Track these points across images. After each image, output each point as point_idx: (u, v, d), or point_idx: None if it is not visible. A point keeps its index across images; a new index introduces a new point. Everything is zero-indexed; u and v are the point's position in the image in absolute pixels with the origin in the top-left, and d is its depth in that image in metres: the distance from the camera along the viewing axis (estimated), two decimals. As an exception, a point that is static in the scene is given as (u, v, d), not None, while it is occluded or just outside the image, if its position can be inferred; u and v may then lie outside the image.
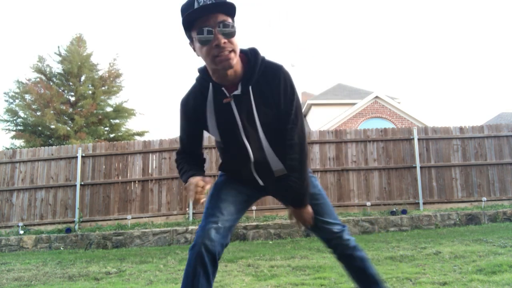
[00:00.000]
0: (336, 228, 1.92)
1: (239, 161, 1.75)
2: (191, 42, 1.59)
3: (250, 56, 1.62)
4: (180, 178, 1.77)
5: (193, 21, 1.49)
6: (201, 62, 1.66)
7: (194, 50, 1.60)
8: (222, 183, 1.84)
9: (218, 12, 1.47)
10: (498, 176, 8.77)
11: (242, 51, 1.62)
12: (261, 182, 1.81)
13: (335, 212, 1.94)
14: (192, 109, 1.70)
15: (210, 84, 1.64)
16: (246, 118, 1.64)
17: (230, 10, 1.49)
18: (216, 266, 1.66)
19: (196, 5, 1.45)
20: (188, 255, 1.66)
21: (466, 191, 8.72)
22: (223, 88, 1.62)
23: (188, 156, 1.81)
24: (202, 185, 1.59)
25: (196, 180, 1.59)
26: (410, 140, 8.88)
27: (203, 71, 1.67)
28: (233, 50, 1.51)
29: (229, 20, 1.49)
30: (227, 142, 1.74)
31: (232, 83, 1.62)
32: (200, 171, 1.74)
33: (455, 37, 73.64)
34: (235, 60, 1.54)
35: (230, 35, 1.49)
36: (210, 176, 8.80)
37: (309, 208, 1.80)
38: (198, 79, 1.70)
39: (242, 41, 1.57)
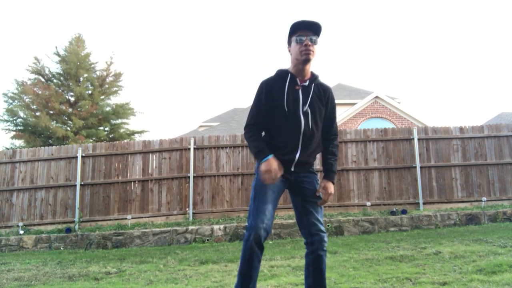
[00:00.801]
0: (323, 228, 2.46)
1: (292, 131, 2.40)
2: (289, 46, 2.48)
3: (315, 73, 2.54)
4: (250, 142, 2.44)
5: (297, 30, 2.40)
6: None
7: (289, 51, 2.48)
8: (267, 186, 2.38)
9: (311, 29, 2.40)
10: (498, 176, 8.77)
11: (311, 71, 2.51)
12: (298, 156, 2.40)
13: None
14: (270, 89, 2.43)
15: (289, 74, 2.45)
16: (305, 102, 2.42)
17: (318, 31, 2.41)
18: (262, 248, 2.34)
19: (304, 21, 2.38)
20: (244, 244, 2.33)
21: (466, 191, 8.72)
22: (297, 79, 2.45)
23: (255, 126, 2.46)
24: (277, 175, 2.30)
25: (276, 168, 2.28)
26: (410, 140, 8.88)
27: (283, 69, 2.50)
28: (313, 52, 2.39)
29: (315, 36, 2.41)
30: (288, 115, 2.39)
31: (303, 79, 2.46)
32: (266, 145, 2.40)
33: (455, 37, 73.62)
34: (312, 58, 2.39)
35: (314, 43, 2.40)
36: (209, 176, 8.79)
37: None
38: (278, 72, 2.49)
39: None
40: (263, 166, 2.29)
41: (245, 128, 2.49)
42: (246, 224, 2.43)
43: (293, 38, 2.41)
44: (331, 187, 2.45)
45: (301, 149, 2.41)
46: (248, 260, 2.30)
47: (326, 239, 2.43)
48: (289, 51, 2.46)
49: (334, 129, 2.55)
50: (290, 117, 2.39)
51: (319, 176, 2.49)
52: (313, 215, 2.42)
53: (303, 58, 2.36)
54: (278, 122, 2.41)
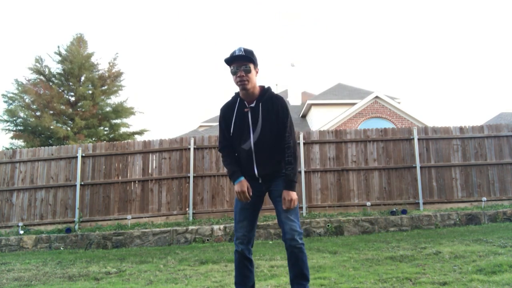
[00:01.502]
0: (294, 225, 2.66)
1: (245, 150, 2.68)
2: (231, 72, 2.70)
3: (264, 88, 2.76)
4: (225, 166, 2.80)
5: (231, 62, 2.64)
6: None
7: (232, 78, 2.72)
8: (241, 204, 2.75)
9: (243, 59, 2.63)
10: (498, 176, 8.77)
11: (260, 85, 2.76)
12: (256, 172, 2.69)
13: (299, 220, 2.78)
14: (225, 114, 2.77)
15: (238, 99, 2.75)
16: (254, 122, 2.68)
17: (250, 59, 2.64)
18: (250, 260, 2.76)
19: (234, 54, 2.63)
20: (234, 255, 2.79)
21: (466, 191, 8.72)
22: (245, 102, 2.72)
23: (226, 148, 2.78)
24: (248, 196, 2.66)
25: (244, 190, 2.64)
26: (410, 140, 8.88)
27: (237, 92, 2.78)
28: (248, 80, 2.64)
29: (249, 64, 2.64)
30: (239, 136, 2.70)
31: (251, 100, 2.72)
32: (238, 167, 2.73)
33: (455, 37, 73.62)
34: (249, 86, 2.65)
35: (247, 72, 2.64)
36: (209, 176, 8.79)
37: (295, 194, 2.65)
38: (233, 96, 2.81)
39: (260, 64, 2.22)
40: (236, 187, 2.66)
41: (220, 152, 2.85)
42: None
43: (230, 69, 2.68)
44: (289, 195, 2.62)
45: (257, 165, 2.69)
46: (238, 269, 2.75)
47: (297, 237, 2.63)
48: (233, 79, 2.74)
49: (287, 138, 2.66)
50: (242, 138, 2.70)
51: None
52: (283, 214, 2.67)
53: (241, 88, 2.67)
54: (235, 143, 2.75)
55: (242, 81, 2.62)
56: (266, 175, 2.71)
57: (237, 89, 2.75)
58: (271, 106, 2.68)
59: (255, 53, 2.69)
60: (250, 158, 2.69)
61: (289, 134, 2.68)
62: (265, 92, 2.73)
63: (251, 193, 2.66)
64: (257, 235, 7.62)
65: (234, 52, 2.64)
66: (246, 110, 2.69)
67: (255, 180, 2.74)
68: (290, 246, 2.63)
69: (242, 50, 2.63)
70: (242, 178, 2.66)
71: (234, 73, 2.65)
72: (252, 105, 2.70)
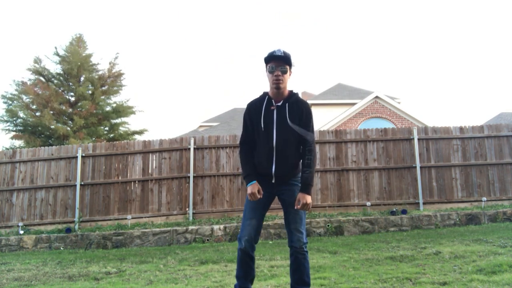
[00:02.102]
0: (301, 237, 2.78)
1: (267, 147, 2.77)
2: (266, 70, 2.83)
3: (292, 92, 2.89)
4: (241, 164, 2.90)
5: (270, 60, 2.78)
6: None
7: (267, 75, 2.84)
8: (252, 202, 2.83)
9: (282, 60, 2.78)
10: (498, 176, 8.77)
11: (289, 89, 2.88)
12: (273, 170, 2.77)
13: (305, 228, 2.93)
14: (252, 110, 2.87)
15: (266, 96, 2.87)
16: (279, 120, 2.78)
17: (288, 62, 2.80)
18: (252, 257, 2.86)
19: (274, 54, 2.77)
20: (237, 252, 2.88)
21: (466, 191, 8.72)
22: (273, 100, 2.84)
23: (246, 145, 2.89)
24: (259, 196, 2.78)
25: (255, 192, 2.75)
26: (410, 140, 8.88)
27: (266, 92, 2.90)
28: (282, 80, 2.78)
29: (286, 66, 2.79)
30: (263, 133, 2.78)
31: (278, 100, 2.84)
32: (253, 168, 2.84)
33: (455, 37, 73.59)
34: (283, 86, 2.79)
35: (283, 72, 2.78)
36: (209, 176, 8.79)
37: (310, 198, 2.73)
38: (261, 94, 2.92)
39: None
40: (248, 189, 2.77)
41: (239, 145, 2.96)
42: None
43: (267, 67, 2.80)
44: (304, 198, 2.70)
45: (276, 163, 2.77)
46: (240, 265, 2.84)
47: (304, 246, 2.77)
48: (267, 76, 2.85)
49: (309, 141, 2.77)
50: (265, 135, 2.78)
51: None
52: (292, 225, 2.78)
53: (274, 86, 2.78)
54: (258, 140, 2.83)
55: (278, 80, 2.75)
56: (281, 176, 2.80)
57: (265, 89, 2.95)
58: (297, 108, 2.80)
59: (292, 58, 2.83)
60: (270, 155, 2.77)
61: (311, 138, 2.78)
62: (293, 95, 2.86)
63: (261, 196, 2.77)
64: (258, 231, 7.62)
65: (274, 51, 2.77)
66: (272, 108, 2.80)
67: (268, 180, 2.82)
68: (296, 252, 2.75)
69: (282, 51, 2.78)
70: (255, 182, 2.77)
71: (271, 71, 2.78)
72: (279, 104, 2.81)
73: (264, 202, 2.84)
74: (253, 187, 2.74)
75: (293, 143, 2.77)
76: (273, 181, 2.82)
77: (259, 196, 2.74)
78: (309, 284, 2.79)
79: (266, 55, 2.80)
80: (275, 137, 2.75)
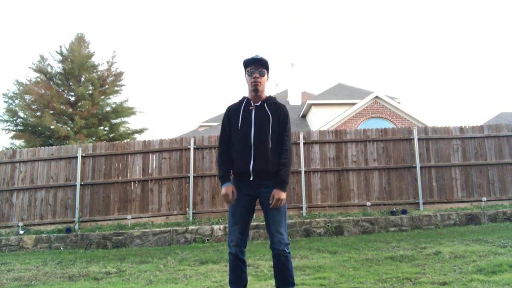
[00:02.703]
0: (282, 238, 2.80)
1: (245, 143, 2.84)
2: (245, 74, 2.98)
3: (270, 95, 3.03)
4: (218, 164, 2.99)
5: (249, 64, 2.94)
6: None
7: (246, 79, 2.98)
8: (233, 207, 2.90)
9: (260, 64, 2.93)
10: (498, 176, 8.77)
11: (267, 94, 3.02)
12: (251, 166, 2.81)
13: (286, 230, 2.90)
14: (231, 112, 2.98)
15: (245, 99, 2.99)
16: (257, 118, 2.89)
17: (265, 65, 2.96)
18: (243, 260, 2.90)
19: (253, 58, 2.93)
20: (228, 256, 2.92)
21: (466, 191, 8.72)
22: (251, 102, 2.96)
23: (224, 144, 2.97)
24: (231, 199, 2.86)
25: (229, 192, 2.84)
26: (410, 140, 8.88)
27: (245, 96, 3.01)
28: (260, 83, 2.92)
29: (264, 69, 2.94)
30: (241, 131, 2.87)
31: (257, 102, 2.95)
32: (229, 168, 2.93)
33: (455, 37, 73.61)
34: (261, 88, 2.93)
35: (261, 75, 2.93)
36: (209, 176, 8.78)
37: (285, 195, 2.81)
38: (240, 99, 3.03)
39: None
40: (222, 190, 2.85)
41: (218, 146, 3.06)
42: None
43: (246, 71, 2.94)
44: (278, 194, 2.77)
45: (254, 158, 2.82)
46: (232, 270, 2.89)
47: (285, 247, 2.79)
48: (246, 79, 2.98)
49: (285, 141, 2.88)
50: (243, 133, 2.87)
51: None
52: (273, 227, 2.81)
53: (252, 89, 2.91)
54: (236, 138, 2.90)
55: (256, 82, 2.88)
56: (259, 171, 2.82)
57: (244, 94, 3.07)
58: (275, 109, 2.91)
59: (269, 63, 2.99)
60: (248, 152, 2.82)
61: (287, 138, 2.90)
62: (270, 98, 3.00)
63: (235, 197, 2.85)
64: (257, 235, 7.63)
65: (253, 56, 2.94)
66: (251, 108, 2.91)
67: (247, 180, 2.85)
68: (278, 254, 2.79)
69: (260, 56, 2.94)
70: (229, 183, 2.86)
71: (250, 74, 2.91)
72: (257, 104, 2.93)
73: (246, 206, 2.89)
74: (227, 189, 2.83)
75: (270, 142, 2.85)
76: (251, 179, 2.83)
77: (231, 198, 2.82)
78: (293, 284, 2.84)
79: (245, 60, 2.94)
80: (253, 135, 2.83)
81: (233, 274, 2.88)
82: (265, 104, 2.92)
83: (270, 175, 2.83)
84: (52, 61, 22.46)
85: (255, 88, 2.89)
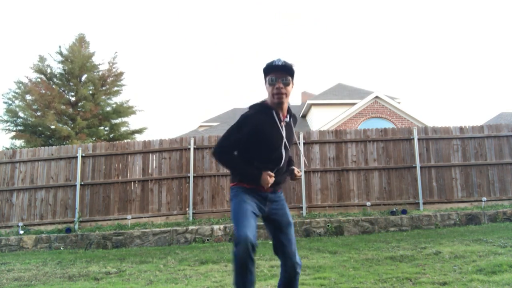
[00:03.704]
0: (297, 259, 2.50)
1: (274, 162, 2.51)
2: (265, 82, 2.50)
3: (289, 105, 2.61)
4: (230, 164, 2.56)
5: (270, 71, 2.45)
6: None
7: (266, 88, 2.51)
8: (249, 206, 2.46)
9: (284, 71, 2.44)
10: (498, 176, 8.77)
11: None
12: (272, 185, 2.48)
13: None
14: (255, 123, 2.45)
15: (273, 111, 2.50)
16: (288, 138, 2.56)
17: (290, 72, 2.47)
18: (254, 261, 2.29)
19: (274, 64, 2.46)
20: (235, 259, 2.28)
21: (466, 191, 8.72)
22: (281, 115, 2.52)
23: (229, 149, 2.51)
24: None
25: (272, 175, 2.45)
26: (410, 140, 8.88)
27: (262, 103, 2.55)
28: (286, 94, 2.46)
29: (288, 77, 2.46)
30: (273, 149, 2.50)
31: (284, 114, 2.54)
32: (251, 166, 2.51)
33: (455, 37, 73.61)
34: (284, 101, 2.48)
35: (286, 84, 2.46)
36: (209, 176, 8.77)
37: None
38: (263, 107, 2.52)
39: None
40: (263, 176, 2.44)
41: (220, 150, 2.51)
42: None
43: (267, 79, 2.47)
44: (295, 170, 2.67)
45: (276, 176, 2.51)
46: (242, 275, 2.26)
47: (299, 269, 2.51)
48: (266, 88, 2.52)
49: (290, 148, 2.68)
50: (274, 151, 2.50)
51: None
52: (288, 248, 2.49)
53: (276, 102, 2.46)
54: (259, 153, 2.49)
55: (280, 94, 2.43)
56: (276, 189, 2.56)
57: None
58: (293, 123, 2.64)
59: (294, 68, 2.50)
60: (273, 169, 2.49)
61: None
62: (290, 109, 2.63)
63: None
64: (257, 235, 7.62)
65: (274, 61, 2.47)
66: (282, 123, 2.52)
67: (263, 195, 2.49)
68: (291, 275, 2.50)
69: (283, 61, 2.47)
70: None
71: (271, 83, 2.45)
72: (287, 119, 2.56)
73: (257, 213, 2.46)
74: (267, 173, 2.44)
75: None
76: (268, 196, 2.50)
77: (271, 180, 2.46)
78: None
79: (265, 65, 2.49)
80: (284, 157, 2.52)
81: (243, 281, 2.29)
82: (291, 120, 2.60)
83: (281, 187, 2.63)
84: (52, 62, 22.46)
85: (279, 101, 2.45)
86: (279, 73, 2.43)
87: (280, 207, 2.54)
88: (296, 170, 2.65)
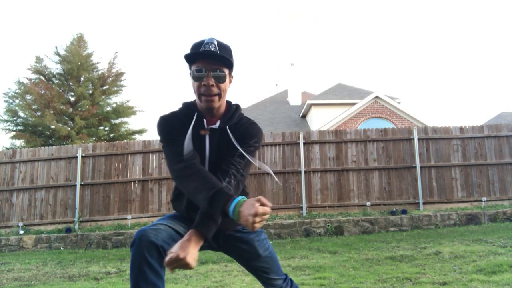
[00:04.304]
0: (279, 283, 1.98)
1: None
2: (190, 73, 1.75)
3: (232, 105, 1.83)
4: (200, 180, 1.60)
5: (196, 59, 1.68)
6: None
7: (191, 82, 1.76)
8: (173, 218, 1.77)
9: (217, 61, 1.67)
10: (498, 176, 8.77)
11: (227, 102, 1.81)
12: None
13: (281, 266, 2.04)
14: (175, 127, 1.74)
15: (195, 114, 1.75)
16: (213, 150, 1.75)
17: (227, 64, 1.70)
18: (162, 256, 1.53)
19: (202, 48, 1.67)
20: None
21: (466, 191, 8.71)
22: (204, 120, 1.74)
23: (192, 163, 1.68)
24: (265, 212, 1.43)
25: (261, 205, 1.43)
26: (410, 140, 8.88)
27: (187, 103, 1.82)
28: (218, 94, 1.69)
29: (224, 68, 1.69)
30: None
31: (213, 119, 1.76)
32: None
33: (455, 37, 73.62)
34: (216, 105, 1.70)
35: (219, 80, 1.68)
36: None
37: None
38: (184, 108, 1.81)
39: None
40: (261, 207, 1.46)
41: (184, 168, 1.65)
42: None
43: (192, 69, 1.71)
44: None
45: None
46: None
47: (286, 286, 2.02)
48: (191, 83, 1.76)
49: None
50: None
51: None
52: (267, 278, 2.00)
53: (204, 106, 1.71)
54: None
55: (210, 95, 1.68)
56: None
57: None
58: (241, 132, 1.77)
59: (232, 53, 1.75)
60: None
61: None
62: (233, 112, 1.80)
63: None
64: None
65: (203, 43, 1.68)
66: (203, 132, 1.75)
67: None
68: None
69: (216, 44, 1.68)
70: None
71: (197, 78, 1.68)
72: (215, 126, 1.75)
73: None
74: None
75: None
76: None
77: None
78: None
79: (189, 49, 1.73)
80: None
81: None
82: (227, 128, 1.76)
83: None
84: (49, 62, 22.36)
85: (208, 106, 1.70)
86: (209, 62, 1.67)
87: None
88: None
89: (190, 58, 1.71)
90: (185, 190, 1.69)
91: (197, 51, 1.68)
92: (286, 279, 2.02)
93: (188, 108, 1.78)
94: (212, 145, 1.75)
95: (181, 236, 1.59)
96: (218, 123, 1.75)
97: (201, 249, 1.64)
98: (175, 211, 1.87)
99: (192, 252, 1.45)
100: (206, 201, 1.52)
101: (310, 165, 8.78)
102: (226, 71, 1.71)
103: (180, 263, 1.43)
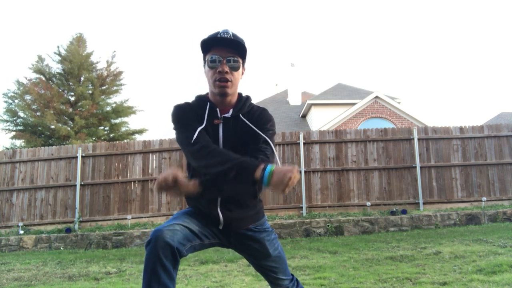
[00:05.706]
0: (286, 283, 2.03)
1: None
2: (204, 64, 1.82)
3: (243, 96, 1.88)
4: (217, 155, 1.66)
5: (210, 47, 1.76)
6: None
7: (205, 72, 1.83)
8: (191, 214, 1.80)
9: (232, 48, 1.75)
10: (498, 176, 8.77)
11: (239, 93, 1.87)
12: (219, 198, 1.78)
13: (288, 267, 2.08)
14: (189, 114, 1.81)
15: (208, 103, 1.81)
16: (227, 139, 1.79)
17: (241, 52, 1.77)
18: (177, 260, 1.59)
19: (219, 36, 1.74)
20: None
21: (466, 191, 8.72)
22: (217, 109, 1.81)
23: (209, 144, 1.72)
24: None
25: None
26: (410, 140, 8.88)
27: (200, 95, 1.89)
28: (232, 81, 1.75)
29: (238, 58, 1.76)
30: None
31: (225, 109, 1.82)
32: None
33: (455, 37, 73.63)
34: (230, 92, 1.77)
35: (234, 68, 1.75)
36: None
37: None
38: (197, 98, 1.88)
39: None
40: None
41: (201, 148, 1.70)
42: None
43: (207, 58, 1.78)
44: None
45: (211, 187, 1.79)
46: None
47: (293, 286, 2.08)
48: (205, 73, 1.84)
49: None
50: None
51: None
52: (275, 277, 2.04)
53: (217, 92, 1.76)
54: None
55: (223, 83, 1.74)
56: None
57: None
58: (254, 121, 1.81)
59: (246, 45, 1.79)
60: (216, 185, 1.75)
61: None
62: (244, 101, 1.85)
63: None
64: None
65: (219, 33, 1.75)
66: (216, 122, 1.80)
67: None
68: None
69: (231, 33, 1.75)
70: None
71: (212, 65, 1.75)
72: (227, 115, 1.81)
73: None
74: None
75: None
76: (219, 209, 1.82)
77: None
78: None
79: (204, 38, 1.79)
80: None
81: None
82: (239, 116, 1.82)
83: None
84: (50, 61, 22.39)
85: (221, 92, 1.77)
86: (224, 50, 1.74)
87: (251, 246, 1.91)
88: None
89: (206, 45, 1.77)
90: (204, 165, 1.69)
91: (214, 38, 1.75)
92: (292, 279, 2.08)
93: (201, 100, 1.85)
94: (225, 134, 1.79)
95: (196, 235, 1.70)
96: (230, 112, 1.81)
97: (212, 246, 1.82)
98: (188, 207, 1.88)
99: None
100: (235, 165, 1.59)
101: (310, 165, 8.78)
102: (240, 61, 1.78)
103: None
